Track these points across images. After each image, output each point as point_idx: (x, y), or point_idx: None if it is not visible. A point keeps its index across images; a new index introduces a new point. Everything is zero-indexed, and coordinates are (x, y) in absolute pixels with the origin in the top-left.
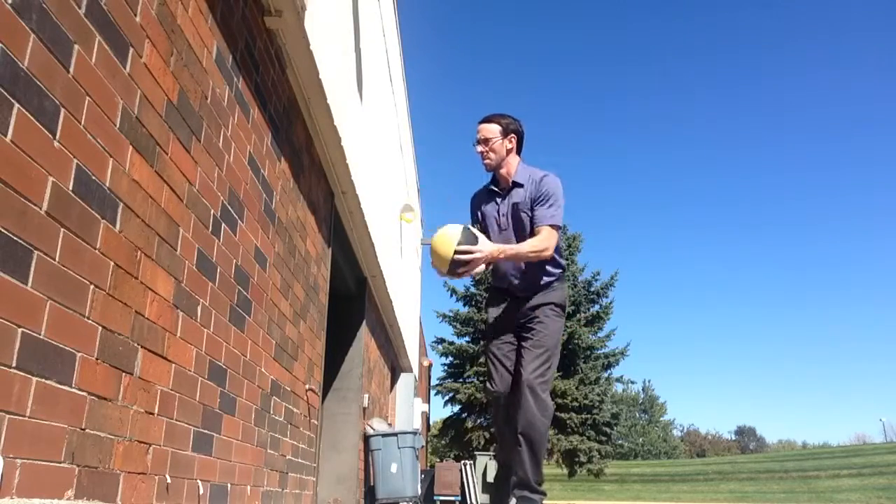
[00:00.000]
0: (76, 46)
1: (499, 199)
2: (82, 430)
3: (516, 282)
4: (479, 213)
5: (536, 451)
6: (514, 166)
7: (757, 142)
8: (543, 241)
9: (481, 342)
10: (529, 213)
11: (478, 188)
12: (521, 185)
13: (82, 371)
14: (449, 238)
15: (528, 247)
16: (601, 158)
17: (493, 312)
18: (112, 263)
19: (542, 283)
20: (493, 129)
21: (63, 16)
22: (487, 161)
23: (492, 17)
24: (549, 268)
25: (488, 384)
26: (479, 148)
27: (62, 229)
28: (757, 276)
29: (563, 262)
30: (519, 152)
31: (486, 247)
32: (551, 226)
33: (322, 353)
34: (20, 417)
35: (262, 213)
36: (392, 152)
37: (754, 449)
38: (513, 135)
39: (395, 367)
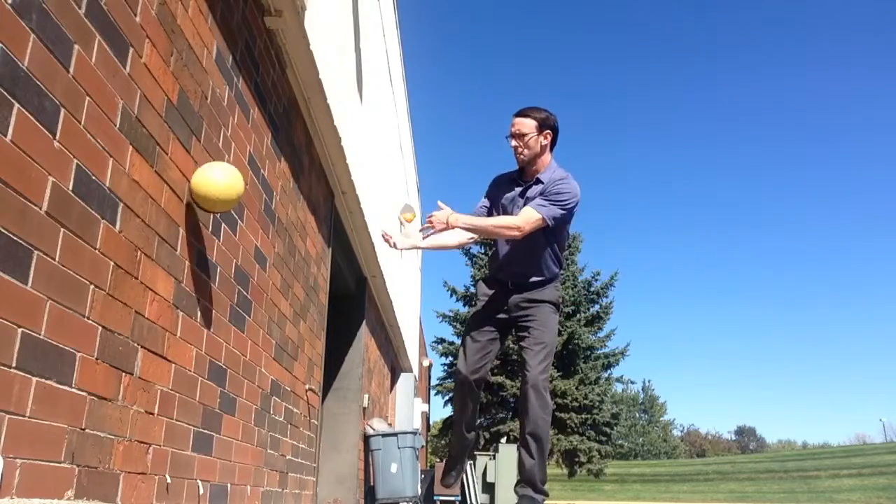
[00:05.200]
0: (76, 46)
1: (518, 189)
2: (82, 430)
3: (516, 271)
4: (495, 197)
5: (542, 450)
6: (545, 164)
7: (757, 141)
8: (514, 220)
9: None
10: None
11: (502, 172)
12: (542, 182)
13: (82, 371)
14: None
15: (495, 221)
16: (601, 158)
17: (483, 302)
18: (112, 263)
19: (542, 278)
20: (528, 124)
21: (63, 16)
22: (521, 157)
23: (492, 17)
24: (552, 265)
25: (459, 365)
26: (514, 143)
27: (62, 229)
28: (757, 276)
29: (563, 264)
30: (552, 148)
31: (443, 214)
32: (537, 215)
33: (322, 353)
34: (20, 417)
35: (262, 213)
36: (392, 152)
37: (754, 449)
38: (548, 131)
39: (395, 367)
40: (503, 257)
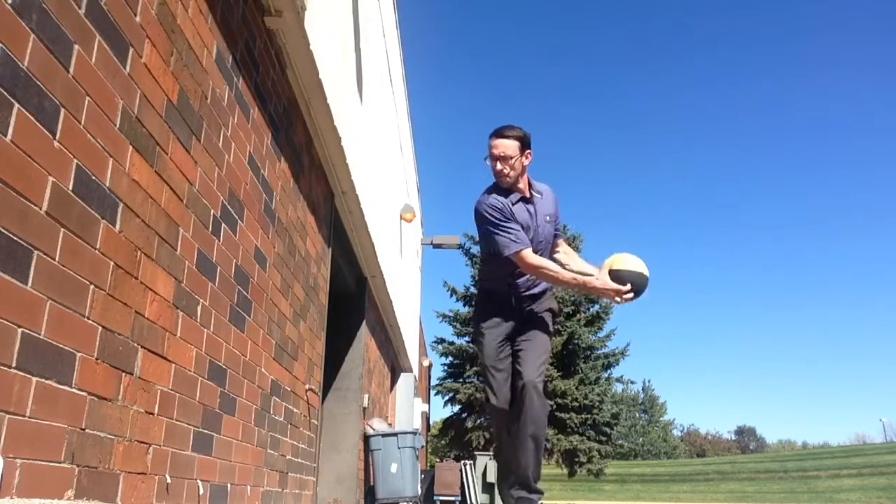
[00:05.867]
0: (76, 46)
1: (530, 209)
2: (82, 430)
3: (523, 285)
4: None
5: (539, 450)
6: (524, 179)
7: (757, 142)
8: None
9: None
10: (553, 224)
11: (489, 193)
12: (540, 196)
13: (82, 371)
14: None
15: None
16: (601, 158)
17: (493, 323)
18: (112, 263)
19: (546, 289)
20: (512, 146)
21: (63, 16)
22: (507, 179)
23: (492, 17)
24: None
25: (492, 400)
26: (498, 166)
27: (62, 229)
28: (757, 276)
29: None
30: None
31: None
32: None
33: (322, 353)
34: (20, 417)
35: (262, 213)
36: (392, 152)
37: (754, 449)
38: (528, 150)
39: (395, 367)
40: (511, 273)
